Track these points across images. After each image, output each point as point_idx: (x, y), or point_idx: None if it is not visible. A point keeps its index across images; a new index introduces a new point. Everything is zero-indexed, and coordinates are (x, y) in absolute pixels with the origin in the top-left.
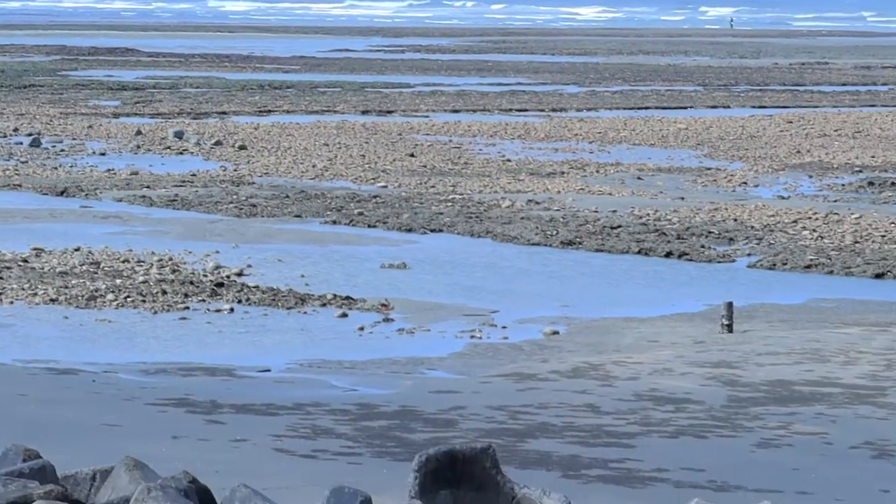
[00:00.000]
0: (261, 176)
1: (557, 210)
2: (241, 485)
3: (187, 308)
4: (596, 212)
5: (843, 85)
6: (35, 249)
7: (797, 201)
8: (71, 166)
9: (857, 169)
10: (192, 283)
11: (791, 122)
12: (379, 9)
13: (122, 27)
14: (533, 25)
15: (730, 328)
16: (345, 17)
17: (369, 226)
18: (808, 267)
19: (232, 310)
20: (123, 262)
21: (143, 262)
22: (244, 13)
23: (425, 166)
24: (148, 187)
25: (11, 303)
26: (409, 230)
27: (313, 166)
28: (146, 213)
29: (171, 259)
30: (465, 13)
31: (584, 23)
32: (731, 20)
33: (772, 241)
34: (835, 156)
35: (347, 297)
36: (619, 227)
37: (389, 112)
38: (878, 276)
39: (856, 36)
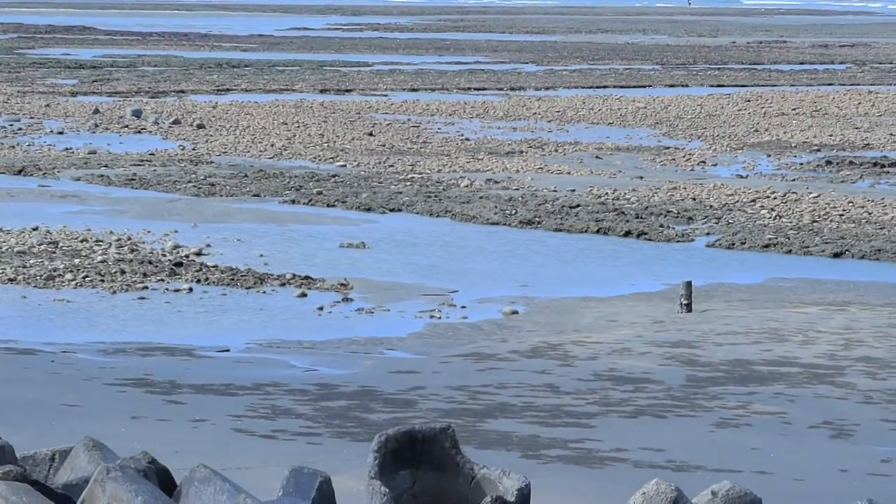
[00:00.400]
0: (219, 155)
1: (516, 189)
2: (201, 465)
3: (146, 288)
4: (555, 191)
5: (801, 63)
6: None
7: (755, 180)
8: (28, 145)
9: (815, 148)
10: (150, 262)
11: (749, 101)
12: None
13: (80, 5)
14: (491, 4)
15: (689, 308)
16: None
17: (328, 205)
18: (767, 246)
19: (191, 289)
20: (82, 241)
21: (101, 241)
22: None
23: (384, 145)
24: (106, 166)
25: None
26: (368, 209)
27: (272, 145)
28: (104, 192)
29: (129, 238)
30: None
31: (541, 0)
32: None
33: (730, 221)
34: (793, 135)
35: (306, 277)
36: (578, 206)
37: (348, 91)
38: (837, 255)
39: (813, 14)
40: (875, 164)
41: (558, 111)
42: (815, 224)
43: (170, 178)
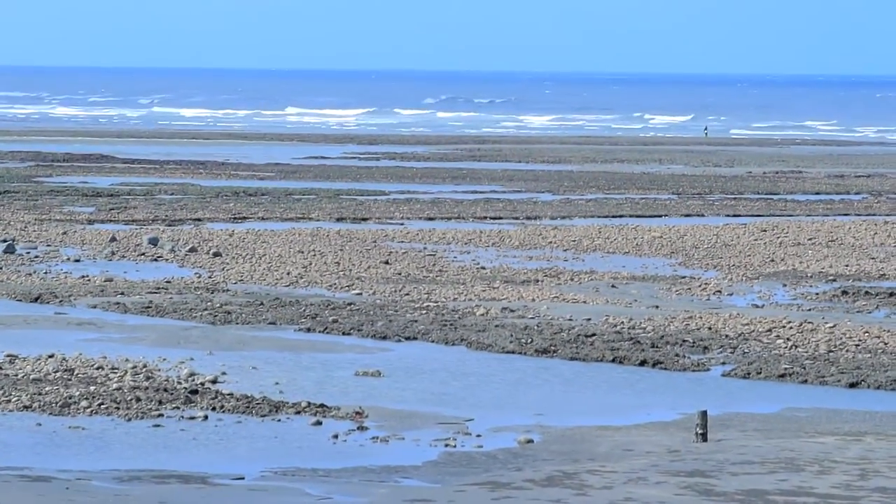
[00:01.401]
0: (235, 283)
1: (532, 318)
2: None
3: (161, 415)
4: (570, 320)
5: (817, 193)
6: (9, 356)
7: (771, 310)
8: (45, 272)
9: (831, 278)
10: (166, 390)
11: (765, 231)
12: (331, 116)
13: (97, 133)
14: (507, 134)
15: (704, 437)
16: (292, 124)
17: (344, 333)
18: (783, 376)
19: (206, 417)
20: (97, 368)
21: (116, 368)
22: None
23: (400, 273)
24: (122, 294)
25: None
26: (384, 338)
27: (288, 273)
28: (120, 319)
29: (145, 366)
30: (412, 120)
31: (538, 131)
32: (706, 129)
33: (746, 350)
34: (809, 264)
35: (322, 405)
36: (594, 335)
37: (364, 219)
38: (852, 385)
39: (829, 145)
40: (891, 295)
41: (574, 240)
42: (830, 354)
43: (186, 305)
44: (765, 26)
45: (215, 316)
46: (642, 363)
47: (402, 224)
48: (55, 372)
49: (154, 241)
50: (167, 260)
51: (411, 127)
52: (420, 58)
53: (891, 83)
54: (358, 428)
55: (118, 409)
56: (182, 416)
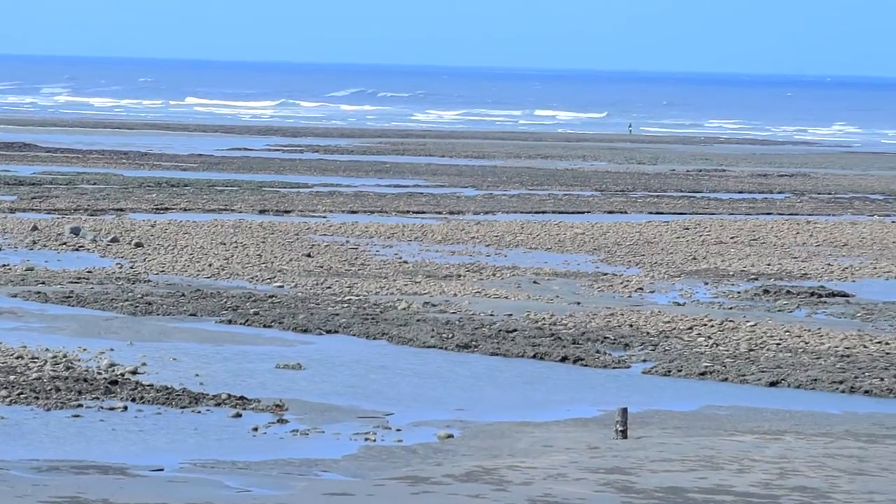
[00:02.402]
0: (157, 274)
1: (453, 313)
2: None
3: (81, 406)
4: (492, 315)
5: (740, 192)
6: None
7: (693, 308)
8: None
9: (753, 276)
10: (85, 380)
11: (688, 229)
12: (255, 108)
13: (20, 122)
14: (431, 128)
15: (624, 434)
16: (213, 114)
17: (265, 325)
18: (703, 374)
19: (126, 408)
20: (17, 358)
21: (36, 358)
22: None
23: (322, 267)
24: (43, 283)
25: None
26: (305, 330)
27: (210, 265)
28: (41, 309)
29: (65, 356)
30: (316, 114)
31: (448, 124)
32: (630, 126)
33: (667, 348)
34: (731, 263)
35: (242, 397)
36: (515, 330)
37: (287, 212)
38: (773, 384)
39: (753, 144)
40: (812, 294)
41: (497, 235)
42: (751, 353)
43: (107, 296)
44: (674, 22)
45: (136, 307)
46: (563, 359)
47: (324, 217)
48: None
49: (76, 231)
50: (89, 250)
51: (314, 120)
52: (326, 51)
53: (799, 83)
54: (278, 420)
55: (37, 398)
56: (102, 407)
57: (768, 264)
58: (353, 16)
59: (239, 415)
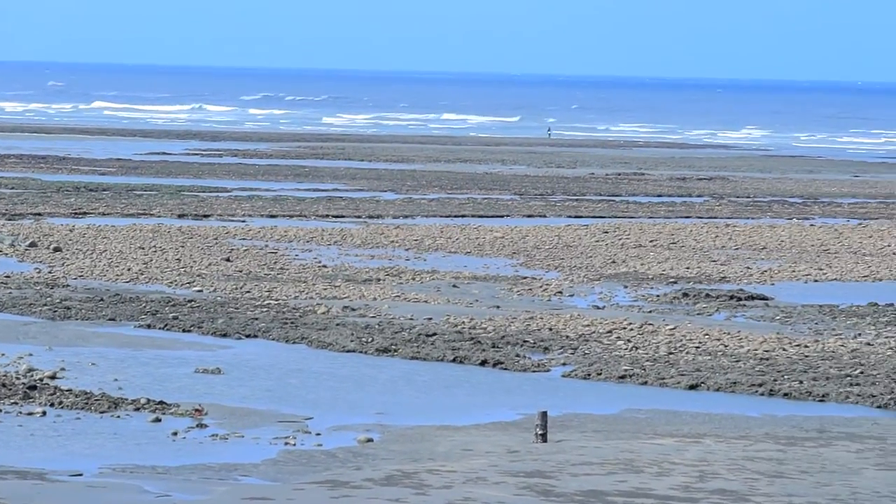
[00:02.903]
0: (75, 278)
1: (373, 317)
2: None
3: None
4: (411, 319)
5: (659, 196)
6: None
7: (612, 311)
8: None
9: (672, 280)
10: (3, 385)
11: (607, 232)
12: (176, 113)
13: None
14: (350, 132)
15: (544, 438)
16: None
17: (184, 330)
18: (623, 377)
19: (44, 413)
20: None
21: None
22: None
23: (241, 271)
24: None
25: None
26: (225, 335)
27: (128, 269)
28: None
29: None
30: (223, 118)
31: (360, 128)
32: (549, 130)
33: (587, 351)
34: (650, 266)
35: (161, 402)
36: (435, 334)
37: (206, 216)
38: (692, 387)
39: (671, 147)
40: (731, 297)
41: (416, 239)
42: (671, 356)
43: (25, 300)
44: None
45: (55, 311)
46: (483, 363)
47: (243, 221)
48: None
49: None
50: (6, 254)
51: (224, 124)
52: (234, 55)
53: (710, 86)
54: (197, 425)
55: None
56: (20, 412)
57: (687, 268)
58: (261, 19)
59: (158, 419)
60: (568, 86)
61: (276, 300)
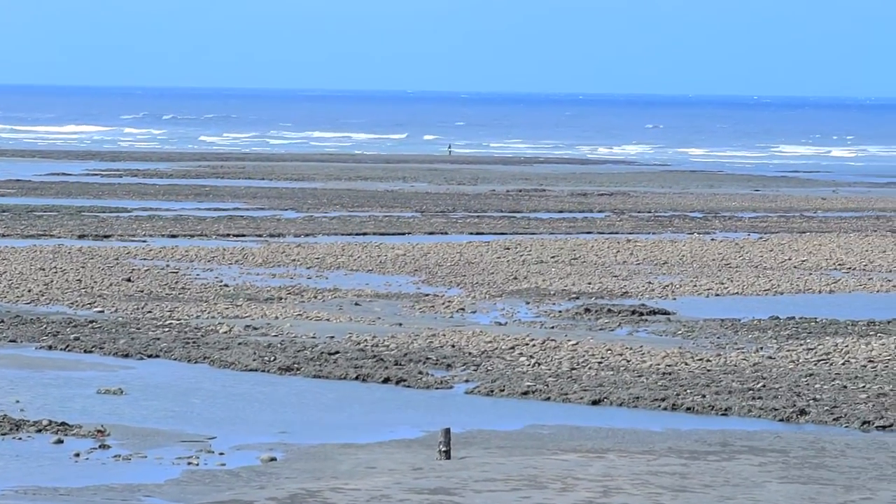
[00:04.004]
0: None
1: (275, 336)
2: None
3: None
4: (314, 337)
5: (560, 212)
6: None
7: (514, 327)
8: None
9: (574, 295)
10: None
11: (508, 249)
12: (80, 133)
13: None
14: (250, 150)
15: (447, 455)
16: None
17: (86, 351)
18: (526, 393)
19: None
20: None
21: None
22: None
23: (142, 291)
24: None
25: None
26: (126, 355)
27: (29, 290)
28: None
29: None
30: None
31: (300, 148)
32: (450, 147)
33: (489, 368)
34: (552, 282)
35: (63, 423)
36: (337, 352)
37: (106, 236)
38: (595, 402)
39: (572, 163)
40: (633, 312)
41: (318, 258)
42: (573, 371)
43: None
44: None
45: None
46: (386, 381)
47: (144, 241)
48: None
49: None
50: None
51: (97, 144)
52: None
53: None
54: (100, 446)
55: None
56: None
57: (589, 283)
58: (136, 38)
59: (61, 441)
60: (457, 103)
61: (178, 320)
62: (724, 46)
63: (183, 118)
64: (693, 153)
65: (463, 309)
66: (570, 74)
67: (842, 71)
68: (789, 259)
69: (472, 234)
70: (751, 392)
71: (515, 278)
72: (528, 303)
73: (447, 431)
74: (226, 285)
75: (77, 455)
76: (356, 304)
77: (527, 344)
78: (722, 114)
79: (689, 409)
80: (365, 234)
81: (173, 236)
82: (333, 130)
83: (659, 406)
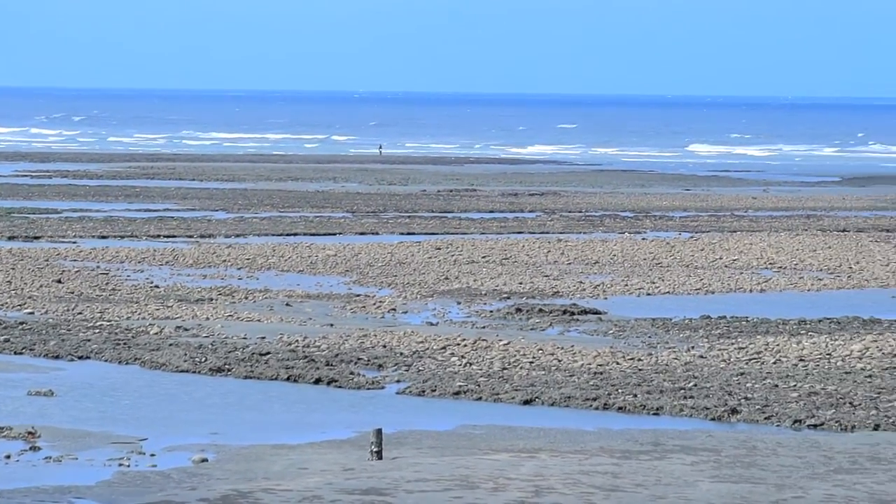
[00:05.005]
0: None
1: (206, 337)
2: None
3: None
4: (245, 338)
5: (491, 212)
6: None
7: (446, 328)
8: None
9: (506, 295)
10: None
11: (440, 249)
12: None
13: None
14: (180, 151)
15: (379, 455)
16: None
17: (16, 352)
18: (457, 393)
19: None
20: None
21: None
22: None
23: (73, 292)
24: None
25: None
26: (57, 357)
27: None
28: None
29: None
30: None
31: (231, 149)
32: (381, 147)
33: (421, 368)
34: (483, 282)
35: None
36: (268, 353)
37: (36, 238)
38: (527, 402)
39: (503, 163)
40: (564, 312)
41: (248, 258)
42: (505, 371)
43: None
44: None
45: None
46: (317, 381)
47: (74, 242)
48: None
49: None
50: None
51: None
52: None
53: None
54: (30, 448)
55: None
56: None
57: (520, 283)
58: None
59: None
60: (356, 103)
61: (109, 321)
62: (635, 45)
63: (94, 117)
64: (600, 152)
65: (394, 309)
66: (466, 74)
67: (761, 71)
68: (720, 258)
69: (403, 234)
70: (682, 391)
71: (447, 278)
72: (459, 303)
73: (379, 432)
74: (156, 286)
75: (7, 457)
76: (287, 304)
77: (458, 344)
78: (634, 113)
79: (620, 408)
80: (296, 234)
81: (104, 237)
82: (250, 132)
83: (591, 405)
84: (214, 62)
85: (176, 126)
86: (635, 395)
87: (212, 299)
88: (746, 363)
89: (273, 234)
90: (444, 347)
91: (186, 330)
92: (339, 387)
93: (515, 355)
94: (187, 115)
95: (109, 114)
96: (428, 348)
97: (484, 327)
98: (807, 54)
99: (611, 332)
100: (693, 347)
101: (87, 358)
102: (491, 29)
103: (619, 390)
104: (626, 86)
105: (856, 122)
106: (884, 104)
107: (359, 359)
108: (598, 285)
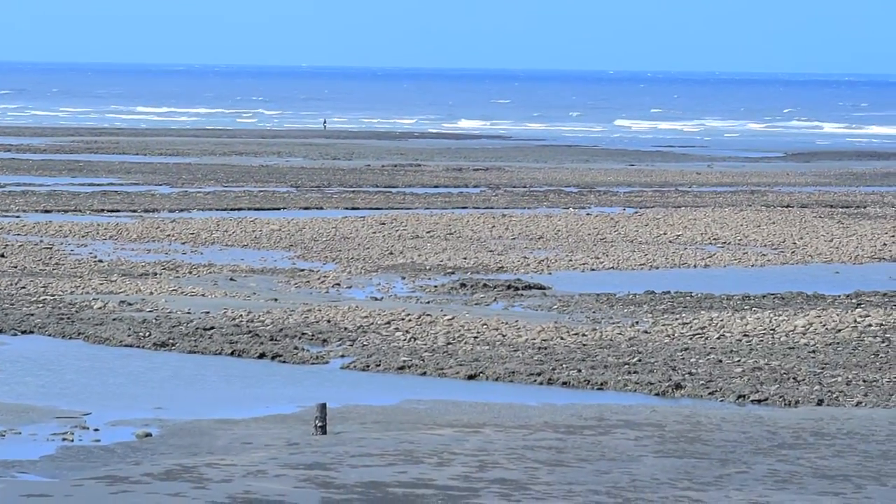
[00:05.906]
0: None
1: (150, 311)
2: None
3: None
4: (189, 313)
5: (436, 186)
6: None
7: (390, 302)
8: None
9: (450, 270)
10: None
11: (384, 224)
12: None
13: None
14: (124, 126)
15: (323, 430)
16: None
17: None
18: (402, 368)
19: None
20: None
21: None
22: None
23: (16, 267)
24: None
25: None
26: (0, 331)
27: None
28: None
29: None
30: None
31: (174, 122)
32: (325, 121)
33: (365, 343)
34: (427, 257)
35: None
36: (212, 328)
37: None
38: (471, 377)
39: (447, 138)
40: (509, 287)
41: (192, 233)
42: (449, 346)
43: None
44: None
45: None
46: (261, 356)
47: (17, 217)
48: None
49: None
50: None
51: None
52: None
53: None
54: None
55: None
56: None
57: (465, 258)
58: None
59: None
60: (294, 76)
61: (52, 296)
62: (578, 21)
63: (19, 91)
64: (532, 127)
65: (338, 284)
66: (404, 49)
67: (695, 47)
68: (664, 234)
69: (347, 209)
70: (626, 366)
71: (391, 253)
72: (403, 278)
73: (323, 406)
74: (100, 261)
75: None
76: (231, 279)
77: (402, 319)
78: (569, 89)
79: (564, 383)
80: (240, 209)
81: (47, 212)
82: (182, 106)
83: (535, 381)
84: (149, 36)
85: (104, 101)
86: (579, 371)
87: (156, 274)
88: (690, 338)
89: (217, 209)
90: (388, 322)
91: (130, 304)
92: (284, 361)
93: (460, 330)
94: (115, 89)
95: (33, 87)
96: (372, 323)
97: (428, 302)
98: (738, 30)
99: (555, 307)
100: (637, 323)
101: (31, 332)
102: (433, 3)
103: (564, 365)
104: (569, 61)
105: (782, 98)
106: (810, 79)
107: (303, 334)
108: (543, 260)
